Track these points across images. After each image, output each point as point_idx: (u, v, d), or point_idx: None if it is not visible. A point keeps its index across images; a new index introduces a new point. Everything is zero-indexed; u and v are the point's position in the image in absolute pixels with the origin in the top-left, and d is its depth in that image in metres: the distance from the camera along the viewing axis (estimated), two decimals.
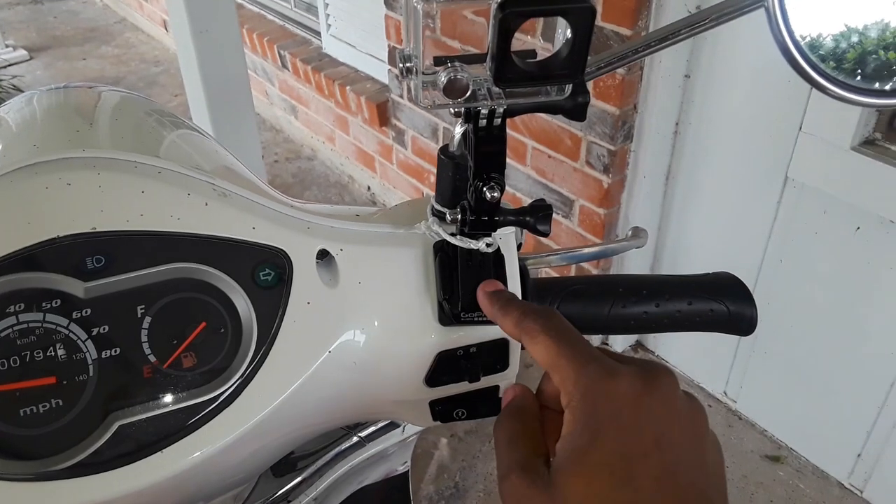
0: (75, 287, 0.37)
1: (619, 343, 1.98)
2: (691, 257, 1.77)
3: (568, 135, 1.74)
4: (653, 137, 1.66)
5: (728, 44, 1.48)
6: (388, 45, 2.27)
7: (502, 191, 0.38)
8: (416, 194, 2.47)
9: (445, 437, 1.70)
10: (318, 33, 2.81)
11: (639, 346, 2.00)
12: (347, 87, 2.51)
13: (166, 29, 3.87)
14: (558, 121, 1.74)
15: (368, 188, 2.77)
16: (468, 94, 0.34)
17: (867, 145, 1.38)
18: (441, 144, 2.26)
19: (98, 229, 0.37)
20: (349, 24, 2.61)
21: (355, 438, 0.60)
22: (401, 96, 2.32)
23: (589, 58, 0.34)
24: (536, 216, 0.40)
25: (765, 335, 1.66)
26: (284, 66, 2.87)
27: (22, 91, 3.29)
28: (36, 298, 0.37)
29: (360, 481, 0.63)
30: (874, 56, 0.35)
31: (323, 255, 0.42)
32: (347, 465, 0.60)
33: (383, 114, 2.42)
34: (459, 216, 0.39)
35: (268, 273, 0.40)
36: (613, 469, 0.30)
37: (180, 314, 0.38)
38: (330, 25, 2.71)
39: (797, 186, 1.50)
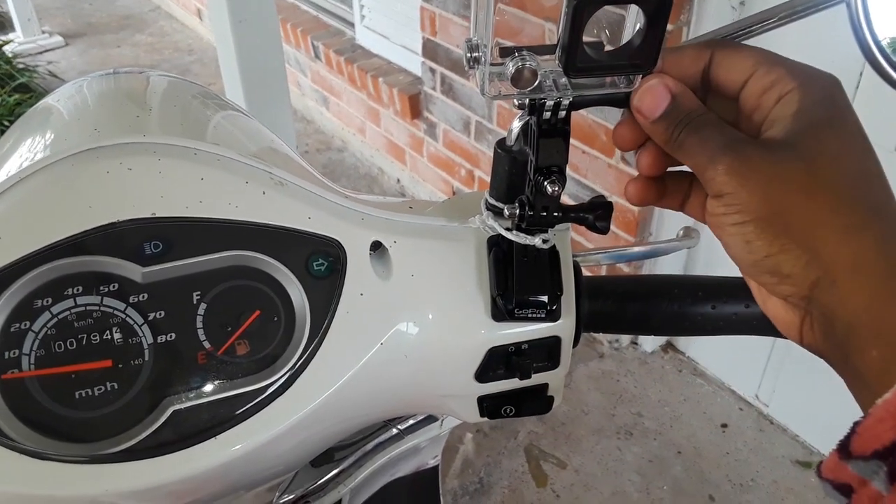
0: (133, 272, 0.37)
1: (650, 343, 1.96)
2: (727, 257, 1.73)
3: (604, 130, 1.72)
4: None
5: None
6: (423, 37, 2.26)
7: (563, 186, 0.37)
8: (445, 188, 2.47)
9: (471, 433, 1.70)
10: (351, 24, 2.81)
11: (669, 346, 1.98)
12: (380, 79, 2.51)
13: (200, 18, 3.90)
14: (594, 116, 1.73)
15: (398, 181, 2.77)
16: (535, 84, 0.34)
17: None
18: (472, 138, 2.25)
19: (157, 215, 0.37)
20: (383, 15, 2.60)
21: (394, 430, 0.60)
22: (433, 88, 2.31)
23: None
24: (596, 213, 0.40)
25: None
26: (317, 56, 2.87)
27: (57, 77, 3.35)
28: (94, 282, 0.37)
29: (392, 473, 0.63)
30: None
31: (376, 247, 0.41)
32: (385, 458, 0.60)
33: (415, 106, 2.42)
34: (517, 211, 0.39)
35: (321, 263, 0.40)
36: (862, 139, 0.31)
37: (235, 301, 0.38)
38: (364, 16, 2.71)
39: None
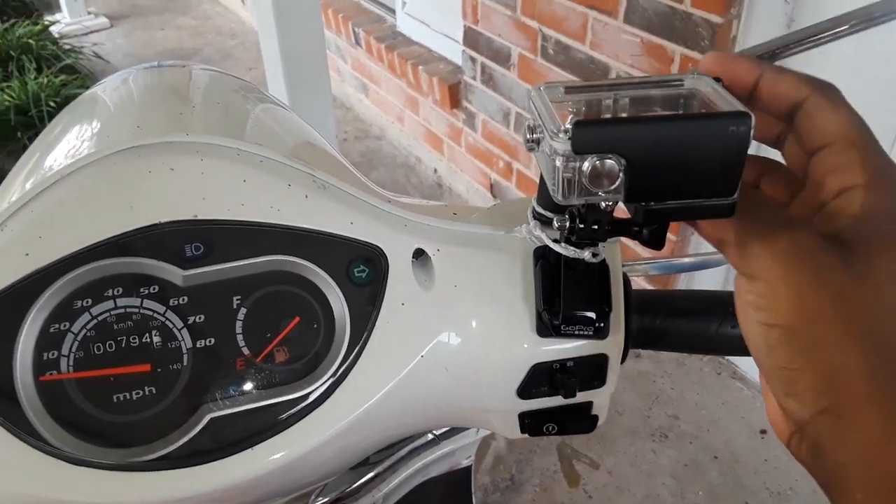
0: (174, 274, 0.36)
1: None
2: None
3: None
4: None
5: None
6: (464, 26, 2.24)
7: (617, 201, 0.36)
8: (483, 179, 2.45)
9: None
10: (392, 11, 2.80)
11: None
12: (420, 67, 2.50)
13: (243, 2, 3.92)
14: None
15: (435, 171, 2.76)
16: (618, 183, 0.29)
17: None
18: (512, 129, 2.22)
19: (199, 217, 0.37)
20: (425, 2, 2.58)
21: (430, 436, 0.59)
22: (473, 78, 2.29)
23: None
24: (651, 228, 0.38)
25: None
26: (358, 43, 2.87)
27: (102, 58, 3.39)
28: (134, 284, 0.36)
29: (425, 474, 0.62)
30: None
31: (418, 255, 0.40)
32: (420, 462, 0.59)
33: (455, 95, 2.40)
34: (567, 223, 0.37)
35: (362, 270, 0.39)
36: None
37: (275, 307, 0.38)
38: (405, 3, 2.69)
39: None
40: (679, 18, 1.53)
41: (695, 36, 1.52)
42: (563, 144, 0.28)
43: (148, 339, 0.36)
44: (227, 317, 0.37)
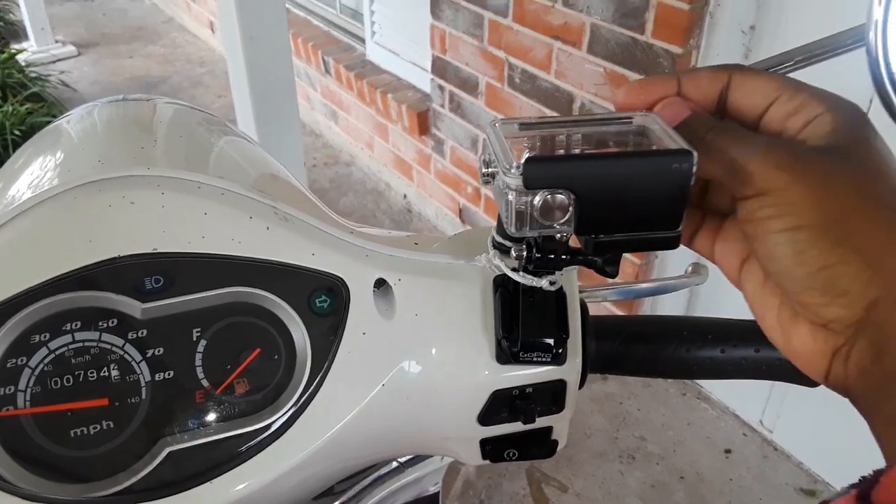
0: (132, 308, 0.36)
1: None
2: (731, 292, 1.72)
3: None
4: None
5: None
6: (432, 55, 2.26)
7: (571, 231, 0.37)
8: (452, 205, 2.47)
9: None
10: (362, 40, 2.82)
11: None
12: (389, 95, 2.52)
13: (212, 30, 3.93)
14: None
15: (405, 196, 2.77)
16: (568, 216, 0.30)
17: None
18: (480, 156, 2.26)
19: (159, 250, 0.37)
20: (394, 31, 2.61)
21: (395, 464, 0.59)
22: (442, 106, 2.31)
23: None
24: (605, 256, 0.39)
25: None
26: (327, 71, 2.88)
27: (69, 86, 3.36)
28: (93, 317, 0.36)
29: (391, 502, 0.62)
30: None
31: (380, 285, 0.41)
32: (385, 491, 0.59)
33: (423, 122, 2.42)
34: (525, 252, 0.38)
35: (324, 300, 0.39)
36: (893, 156, 0.30)
37: (235, 339, 0.38)
38: (375, 33, 2.72)
39: None
40: (640, 49, 1.57)
41: (656, 66, 1.56)
42: (515, 179, 0.29)
43: (106, 373, 0.36)
44: (186, 349, 0.37)
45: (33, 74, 3.27)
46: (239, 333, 0.38)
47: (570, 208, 0.30)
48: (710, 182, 0.36)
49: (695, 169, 0.29)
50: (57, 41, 3.84)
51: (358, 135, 2.91)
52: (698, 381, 1.91)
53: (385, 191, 2.84)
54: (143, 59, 3.93)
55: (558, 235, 0.36)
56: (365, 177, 2.93)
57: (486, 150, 0.33)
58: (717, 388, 1.86)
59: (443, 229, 2.55)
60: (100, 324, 0.36)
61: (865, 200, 0.28)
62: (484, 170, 0.32)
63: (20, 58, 3.47)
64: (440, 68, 2.25)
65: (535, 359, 0.40)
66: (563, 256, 0.38)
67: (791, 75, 0.35)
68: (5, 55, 3.19)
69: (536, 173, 0.29)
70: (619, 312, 1.80)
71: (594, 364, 0.45)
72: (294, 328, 0.38)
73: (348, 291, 0.39)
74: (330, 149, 3.13)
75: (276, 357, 0.38)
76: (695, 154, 0.29)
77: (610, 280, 0.61)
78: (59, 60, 3.72)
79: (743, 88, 0.34)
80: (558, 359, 0.40)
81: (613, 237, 0.31)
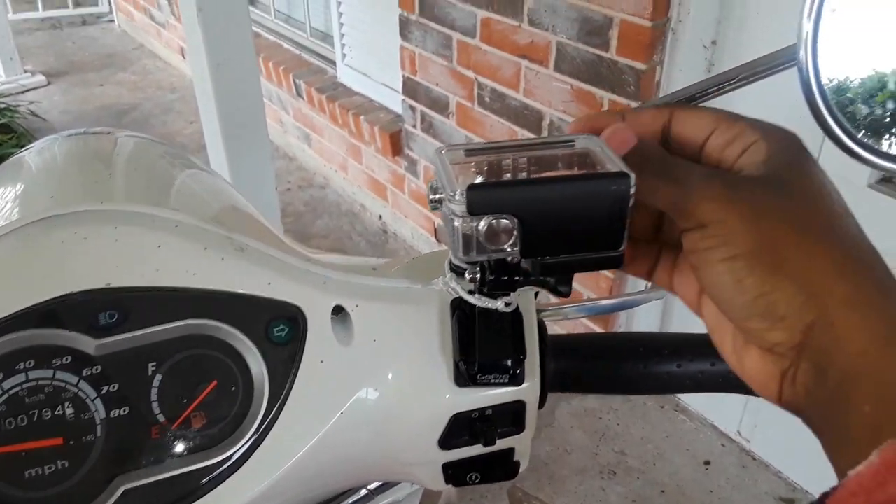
0: (86, 344, 0.36)
1: None
2: None
3: None
4: None
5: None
6: (403, 76, 2.28)
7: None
8: (427, 224, 2.47)
9: None
10: (332, 63, 2.83)
11: None
12: (361, 117, 2.53)
13: (183, 56, 3.92)
14: None
15: (380, 217, 2.77)
16: (513, 240, 0.31)
17: (884, 183, 1.36)
18: None
19: (112, 285, 0.37)
20: (364, 53, 2.63)
21: (364, 491, 0.59)
22: (414, 126, 2.33)
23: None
24: (557, 277, 0.39)
25: None
26: (299, 94, 2.89)
27: (39, 116, 3.33)
28: (47, 355, 0.36)
29: None
30: None
31: (338, 311, 0.41)
32: None
33: (396, 143, 2.43)
34: (479, 275, 0.38)
35: (282, 329, 0.39)
36: (831, 185, 0.31)
37: (192, 372, 0.38)
38: (345, 55, 2.73)
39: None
40: (606, 66, 1.60)
41: (621, 82, 1.59)
42: (459, 206, 0.30)
43: (61, 412, 0.36)
44: (141, 385, 0.37)
45: (2, 105, 3.23)
46: (195, 366, 0.38)
47: (515, 232, 0.30)
48: (664, 215, 0.37)
49: (632, 191, 0.30)
50: (26, 71, 3.81)
51: (331, 157, 2.91)
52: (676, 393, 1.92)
53: (360, 212, 2.84)
54: (114, 86, 3.91)
55: (511, 258, 0.36)
56: (340, 199, 2.93)
57: (435, 177, 0.34)
58: (692, 400, 1.88)
59: (419, 249, 2.55)
60: (54, 361, 0.36)
61: (797, 227, 0.29)
62: (431, 196, 0.33)
63: None
64: (411, 89, 2.26)
65: (493, 380, 0.40)
66: (517, 278, 0.39)
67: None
68: None
69: (479, 199, 0.29)
70: (597, 328, 1.81)
71: (553, 383, 0.45)
72: (251, 359, 0.38)
73: (305, 320, 0.39)
74: (304, 171, 3.12)
75: (233, 389, 0.38)
76: (632, 176, 0.30)
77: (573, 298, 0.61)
78: (28, 90, 3.68)
79: (683, 123, 0.35)
80: (516, 379, 0.41)
81: (559, 258, 0.32)
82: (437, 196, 0.32)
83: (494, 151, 0.34)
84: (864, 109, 0.33)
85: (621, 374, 0.46)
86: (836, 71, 0.33)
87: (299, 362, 0.39)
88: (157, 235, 0.38)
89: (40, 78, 3.81)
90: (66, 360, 0.36)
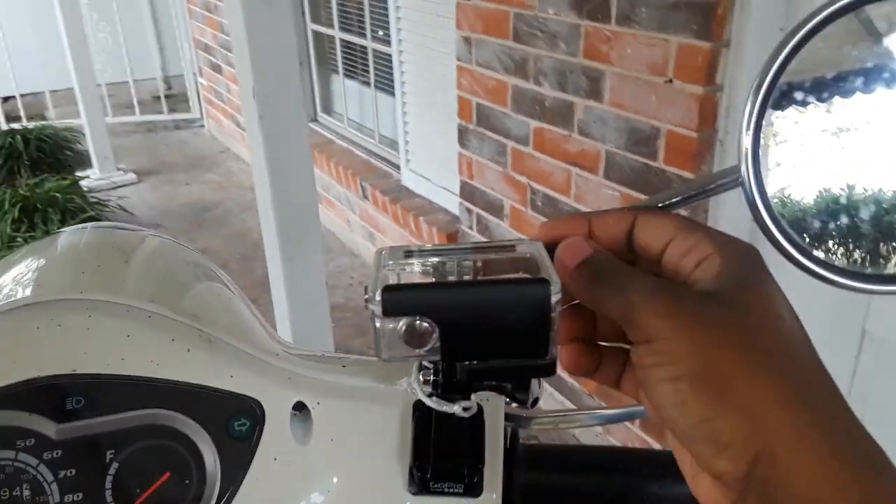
0: (48, 427, 0.37)
1: None
2: None
3: None
4: None
5: None
6: (461, 180, 2.34)
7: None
8: None
9: None
10: (397, 167, 2.95)
11: None
12: (421, 218, 2.60)
13: None
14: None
15: None
16: (433, 344, 0.31)
17: None
18: None
19: (78, 371, 0.38)
20: (426, 159, 2.73)
21: None
22: (470, 227, 2.37)
23: None
24: (515, 382, 0.39)
25: None
26: (365, 196, 3.00)
27: (126, 210, 3.56)
28: (11, 436, 0.37)
29: None
30: (867, 238, 0.33)
31: (301, 408, 0.41)
32: None
33: (453, 243, 2.47)
34: (431, 377, 0.38)
35: (243, 424, 0.39)
36: (787, 304, 0.30)
37: (148, 462, 0.38)
38: (409, 160, 2.84)
39: (876, 340, 1.40)
40: (654, 174, 1.60)
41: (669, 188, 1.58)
42: (377, 306, 0.30)
43: (18, 493, 0.37)
44: (97, 471, 0.37)
45: (93, 199, 3.48)
46: (152, 456, 0.38)
47: (435, 336, 0.30)
48: None
49: (555, 299, 0.30)
50: (119, 169, 4.12)
51: None
52: None
53: None
54: (199, 185, 4.17)
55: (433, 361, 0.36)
56: None
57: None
58: None
59: None
60: (17, 443, 0.37)
61: (744, 351, 0.28)
62: (365, 295, 0.33)
63: (83, 184, 3.72)
64: (468, 192, 2.32)
65: (446, 489, 0.39)
66: (473, 382, 0.38)
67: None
68: (68, 181, 3.43)
69: (393, 301, 0.30)
70: None
71: (527, 496, 0.43)
72: (206, 452, 0.39)
73: (264, 415, 0.40)
74: (367, 268, 3.20)
75: (186, 482, 0.38)
76: (554, 283, 0.30)
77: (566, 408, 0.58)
78: (119, 187, 3.97)
79: (645, 228, 0.34)
80: (473, 490, 0.39)
81: (488, 364, 0.31)
82: (367, 295, 0.33)
83: (433, 254, 0.34)
84: (815, 224, 0.32)
85: (606, 493, 0.43)
86: (784, 184, 0.33)
87: (251, 459, 0.39)
88: (128, 325, 0.40)
89: (132, 176, 4.11)
90: (30, 441, 0.37)
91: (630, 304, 0.30)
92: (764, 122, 0.31)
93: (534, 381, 0.58)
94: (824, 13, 0.30)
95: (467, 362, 0.31)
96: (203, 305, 0.47)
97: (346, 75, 3.42)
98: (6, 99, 4.65)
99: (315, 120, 3.75)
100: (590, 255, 0.34)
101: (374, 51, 3.08)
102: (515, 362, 0.31)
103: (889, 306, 1.35)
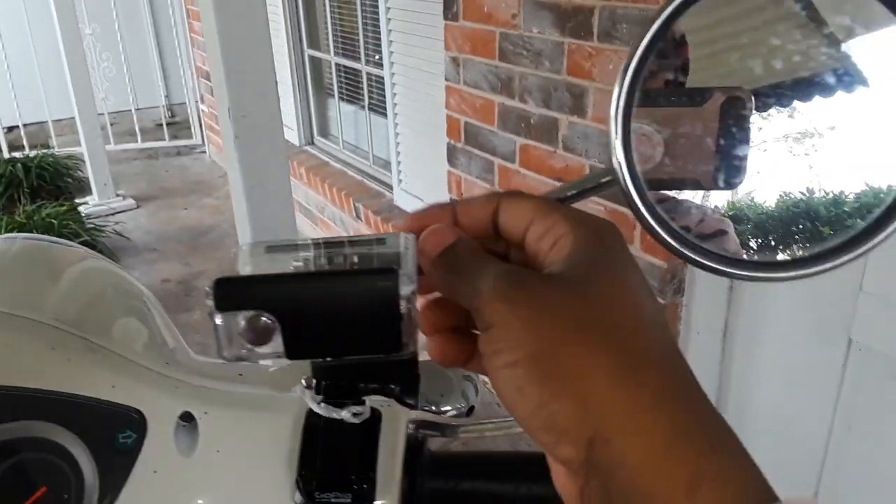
0: None
1: None
2: (755, 423, 1.61)
3: None
4: (706, 292, 1.59)
5: None
6: (450, 198, 2.33)
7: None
8: None
9: None
10: (390, 187, 2.95)
11: None
12: None
13: None
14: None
15: None
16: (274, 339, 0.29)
17: None
18: None
19: None
20: (417, 178, 2.73)
21: None
22: None
23: None
24: (403, 385, 0.37)
25: None
26: (358, 216, 3.00)
27: (122, 235, 3.57)
28: None
29: None
30: (747, 225, 0.31)
31: (189, 419, 0.39)
32: None
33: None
34: (314, 380, 0.36)
35: (128, 436, 0.38)
36: (640, 284, 0.29)
37: (24, 476, 0.36)
38: (401, 180, 2.84)
39: (862, 349, 1.37)
40: None
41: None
42: (210, 301, 0.29)
43: None
44: None
45: (90, 225, 3.50)
46: (29, 470, 0.37)
47: (277, 332, 0.28)
48: None
49: (407, 290, 0.28)
50: (118, 195, 4.14)
51: None
52: None
53: None
54: (197, 210, 4.18)
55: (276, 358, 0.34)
56: None
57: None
58: None
59: None
60: None
61: (580, 331, 0.27)
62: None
63: (82, 210, 3.74)
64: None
65: (332, 500, 0.37)
66: (359, 385, 0.37)
67: None
68: (65, 208, 3.45)
69: (226, 295, 0.28)
70: None
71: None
72: (85, 464, 0.37)
73: (146, 425, 0.38)
74: None
75: (65, 496, 0.37)
76: (401, 274, 0.28)
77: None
78: (118, 213, 3.98)
79: (508, 213, 0.33)
80: (363, 499, 0.37)
81: (343, 360, 0.30)
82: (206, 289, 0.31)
83: (298, 249, 0.33)
84: (695, 213, 0.31)
85: (510, 496, 0.41)
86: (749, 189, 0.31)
87: (129, 472, 0.37)
88: (7, 335, 0.39)
89: (130, 202, 4.13)
90: None
91: (475, 293, 0.29)
92: (634, 114, 0.30)
93: (470, 389, 0.56)
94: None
95: (319, 360, 0.30)
96: (97, 317, 0.45)
97: (342, 99, 3.43)
98: (10, 129, 4.70)
99: (312, 143, 3.76)
100: (452, 243, 0.32)
101: (368, 74, 3.10)
102: (375, 357, 0.29)
103: (873, 314, 1.32)
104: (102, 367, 0.39)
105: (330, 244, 0.33)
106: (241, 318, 0.28)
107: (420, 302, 0.33)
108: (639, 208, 0.31)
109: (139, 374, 0.40)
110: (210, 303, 0.29)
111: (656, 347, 0.27)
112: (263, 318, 0.28)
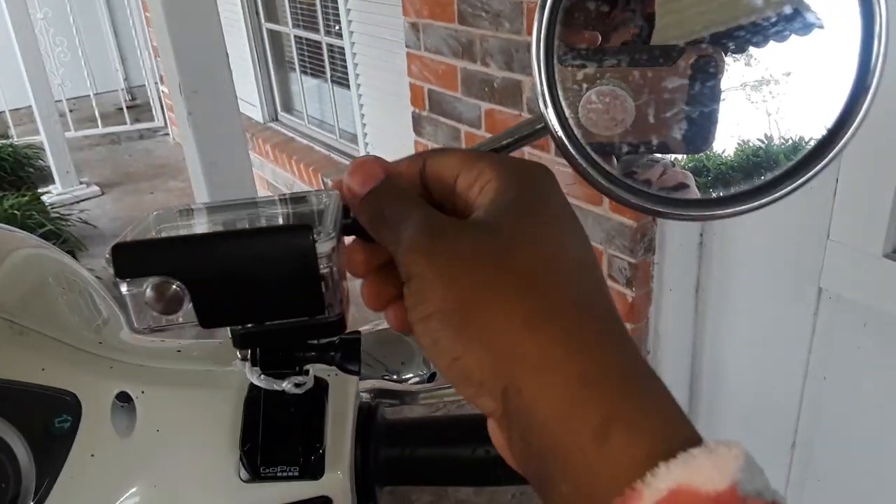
0: None
1: None
2: (730, 377, 1.63)
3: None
4: (676, 249, 1.59)
5: None
6: None
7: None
8: None
9: None
10: None
11: None
12: None
13: None
14: None
15: None
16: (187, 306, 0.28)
17: None
18: None
19: None
20: (385, 149, 2.69)
21: None
22: None
23: None
24: (343, 351, 0.35)
25: (817, 459, 1.49)
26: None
27: (89, 223, 3.50)
28: None
29: None
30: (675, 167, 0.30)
31: (126, 399, 0.38)
32: None
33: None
34: (249, 351, 0.35)
35: (64, 420, 0.36)
36: (569, 227, 0.28)
37: None
38: (369, 153, 2.80)
39: (832, 297, 1.38)
40: None
41: None
42: (110, 268, 0.27)
43: None
44: None
45: (55, 215, 3.42)
46: None
47: (187, 298, 0.27)
48: None
49: (325, 248, 0.27)
50: (82, 182, 4.04)
51: None
52: None
53: None
54: (164, 193, 4.11)
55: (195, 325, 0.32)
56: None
57: None
58: None
59: None
60: None
61: (492, 280, 0.25)
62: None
63: (46, 199, 3.65)
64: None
65: (279, 473, 0.36)
66: (298, 354, 0.35)
67: None
68: (27, 198, 3.36)
69: (126, 261, 0.26)
70: None
71: (389, 474, 0.40)
72: (19, 450, 0.35)
73: (80, 408, 0.36)
74: None
75: (1, 485, 0.35)
76: (317, 230, 0.26)
77: None
78: (82, 200, 3.90)
79: (434, 167, 0.32)
80: (311, 472, 0.36)
81: (264, 326, 0.28)
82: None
83: (212, 211, 0.31)
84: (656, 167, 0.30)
85: (461, 459, 0.40)
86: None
87: (66, 456, 0.35)
88: None
89: (94, 189, 4.04)
90: None
91: (398, 243, 0.28)
92: (556, 59, 0.28)
93: (422, 358, 0.54)
94: None
95: (239, 327, 0.28)
96: (31, 301, 0.43)
97: (304, 72, 3.37)
98: None
99: (276, 119, 3.69)
100: (381, 182, 0.31)
101: (329, 45, 3.03)
102: (298, 322, 0.28)
103: (841, 262, 1.33)
104: (30, 350, 0.37)
105: (248, 205, 0.31)
106: (148, 286, 0.26)
107: (349, 240, 0.32)
108: (568, 150, 0.30)
109: (70, 356, 0.38)
110: (110, 270, 0.27)
111: (575, 291, 0.26)
112: (172, 286, 0.26)
